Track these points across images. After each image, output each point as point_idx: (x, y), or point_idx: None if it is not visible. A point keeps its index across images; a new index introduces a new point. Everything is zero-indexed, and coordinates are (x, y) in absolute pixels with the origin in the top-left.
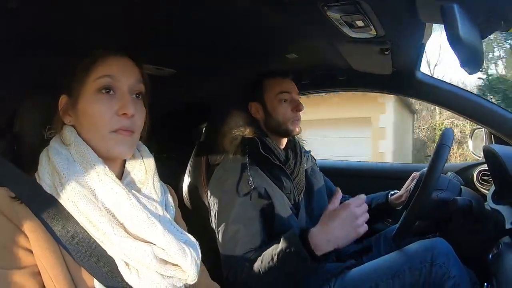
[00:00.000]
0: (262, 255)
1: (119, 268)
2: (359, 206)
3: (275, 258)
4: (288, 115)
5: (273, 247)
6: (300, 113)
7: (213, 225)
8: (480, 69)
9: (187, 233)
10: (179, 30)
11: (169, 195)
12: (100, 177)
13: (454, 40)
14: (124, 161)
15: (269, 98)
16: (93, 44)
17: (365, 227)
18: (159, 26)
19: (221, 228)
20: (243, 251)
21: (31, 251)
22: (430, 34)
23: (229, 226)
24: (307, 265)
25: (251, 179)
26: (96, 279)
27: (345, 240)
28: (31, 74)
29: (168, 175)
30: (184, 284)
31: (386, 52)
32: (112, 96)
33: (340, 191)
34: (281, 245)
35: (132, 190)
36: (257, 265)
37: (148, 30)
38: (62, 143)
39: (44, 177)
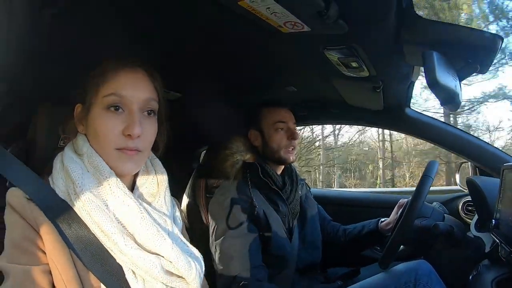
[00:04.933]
0: None
1: (126, 276)
2: None
3: None
4: (283, 143)
5: None
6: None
7: (211, 240)
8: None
9: (192, 246)
10: (189, 55)
11: (177, 209)
12: (112, 189)
13: (432, 83)
14: (136, 173)
15: (266, 126)
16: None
17: None
18: (170, 50)
19: (218, 243)
20: (240, 268)
21: (44, 252)
22: (419, 74)
23: (226, 241)
24: None
25: (254, 199)
26: (103, 283)
27: None
28: (45, 84)
29: None
30: None
31: (378, 90)
32: (120, 114)
33: None
34: None
35: (143, 203)
36: None
37: (159, 53)
38: (75, 151)
39: (58, 183)
